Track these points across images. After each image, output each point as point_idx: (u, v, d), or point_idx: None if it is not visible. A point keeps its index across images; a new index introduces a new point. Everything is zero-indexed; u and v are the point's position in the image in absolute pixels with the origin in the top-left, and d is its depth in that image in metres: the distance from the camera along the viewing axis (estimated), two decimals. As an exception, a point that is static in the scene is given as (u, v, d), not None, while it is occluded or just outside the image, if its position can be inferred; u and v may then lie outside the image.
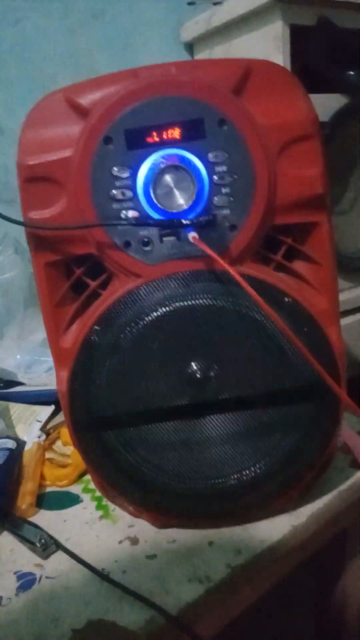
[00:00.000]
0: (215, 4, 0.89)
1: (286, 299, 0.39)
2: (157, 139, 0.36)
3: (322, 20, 0.82)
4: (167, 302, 0.39)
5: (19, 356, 0.73)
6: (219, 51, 0.92)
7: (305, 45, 0.82)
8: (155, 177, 0.36)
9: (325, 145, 0.84)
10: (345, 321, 0.92)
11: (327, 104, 0.83)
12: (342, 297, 0.92)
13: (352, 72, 0.87)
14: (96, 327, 0.39)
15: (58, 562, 0.43)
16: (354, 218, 0.94)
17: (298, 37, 0.81)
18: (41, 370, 0.72)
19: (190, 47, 0.99)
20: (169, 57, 0.98)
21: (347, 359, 0.87)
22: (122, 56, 0.94)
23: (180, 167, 0.36)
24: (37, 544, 0.44)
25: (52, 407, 0.65)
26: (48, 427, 0.63)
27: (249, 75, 0.37)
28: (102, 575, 0.40)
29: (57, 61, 0.89)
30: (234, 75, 0.36)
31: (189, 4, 0.92)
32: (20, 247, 0.84)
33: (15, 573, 0.42)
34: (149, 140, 0.36)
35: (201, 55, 0.97)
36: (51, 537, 0.45)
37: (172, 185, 0.36)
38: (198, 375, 0.41)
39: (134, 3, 0.93)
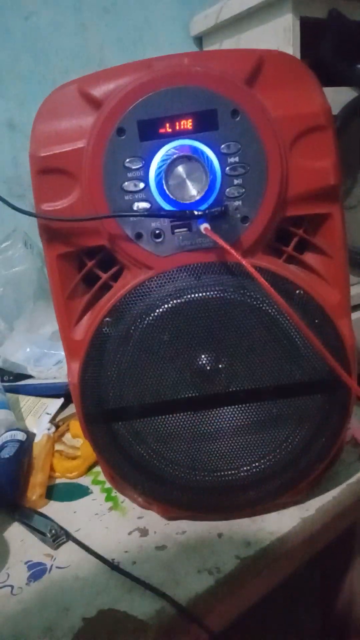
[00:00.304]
0: (225, -3, 0.88)
1: (297, 291, 0.39)
2: (169, 130, 0.36)
3: (333, 12, 0.82)
4: (178, 294, 0.39)
5: (28, 349, 0.74)
6: (228, 45, 0.91)
7: (315, 38, 0.82)
8: (167, 168, 0.36)
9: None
10: (354, 316, 0.91)
11: (336, 98, 0.82)
12: (351, 291, 0.92)
13: (362, 66, 0.87)
14: (107, 319, 0.40)
15: (68, 552, 0.43)
16: (363, 213, 0.93)
17: (308, 30, 0.80)
18: (50, 364, 0.72)
19: (199, 40, 0.99)
20: (178, 51, 0.98)
21: (358, 353, 0.86)
22: (133, 50, 0.94)
23: (192, 158, 0.36)
24: (48, 535, 0.44)
25: (62, 400, 0.65)
26: (57, 419, 0.63)
27: (261, 66, 0.37)
28: (112, 565, 0.41)
29: (68, 55, 0.89)
30: (246, 66, 0.36)
31: (199, -4, 0.92)
32: (30, 240, 0.84)
33: (26, 563, 0.43)
34: (162, 131, 0.36)
35: (211, 48, 0.97)
36: (61, 528, 0.45)
37: (184, 176, 0.36)
38: (207, 368, 0.41)
39: (144, -3, 0.93)
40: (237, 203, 0.37)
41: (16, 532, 0.46)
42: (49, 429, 0.59)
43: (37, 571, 0.42)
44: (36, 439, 0.58)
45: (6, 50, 0.85)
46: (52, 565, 0.42)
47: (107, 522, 0.47)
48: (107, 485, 0.50)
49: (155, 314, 0.39)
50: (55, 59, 0.88)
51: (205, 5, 0.94)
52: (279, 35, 0.81)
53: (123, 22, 0.93)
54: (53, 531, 0.45)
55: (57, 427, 0.61)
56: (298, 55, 0.80)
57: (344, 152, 0.87)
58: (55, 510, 0.49)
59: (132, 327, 0.39)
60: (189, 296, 0.39)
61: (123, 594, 0.39)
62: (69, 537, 0.45)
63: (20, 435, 0.56)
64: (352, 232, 0.92)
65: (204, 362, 0.41)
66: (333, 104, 0.86)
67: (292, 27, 0.79)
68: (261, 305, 0.39)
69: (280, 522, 0.44)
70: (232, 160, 0.36)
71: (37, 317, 0.78)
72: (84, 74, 0.94)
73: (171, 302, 0.39)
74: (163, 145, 0.36)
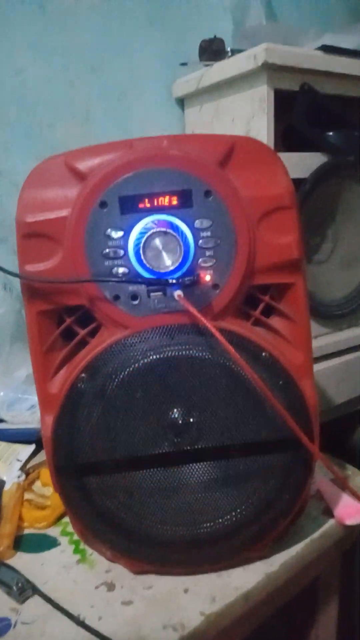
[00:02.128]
0: (206, 65, 0.95)
1: (263, 354, 0.42)
2: (148, 206, 0.39)
3: (305, 86, 0.89)
4: (151, 353, 0.41)
5: (2, 393, 0.74)
6: (208, 108, 0.98)
7: (289, 107, 0.89)
8: (145, 239, 0.39)
9: (305, 201, 0.89)
10: (323, 365, 0.95)
11: (307, 162, 0.89)
12: (320, 342, 0.95)
13: (330, 134, 0.94)
14: (83, 375, 0.41)
15: (34, 606, 0.43)
16: (330, 268, 0.98)
17: (282, 99, 0.87)
18: (23, 408, 0.72)
19: (181, 102, 1.06)
20: (161, 111, 1.04)
21: (326, 402, 0.90)
22: (117, 107, 1.00)
23: (168, 233, 0.39)
24: (14, 588, 0.44)
25: (33, 447, 0.66)
26: (28, 466, 0.63)
27: (233, 150, 0.40)
28: (78, 621, 0.41)
29: (55, 109, 0.93)
30: (220, 150, 0.40)
31: (182, 64, 0.99)
32: (9, 284, 0.86)
33: (-10, 618, 0.42)
34: (141, 206, 0.39)
35: (191, 110, 1.03)
36: (28, 581, 0.45)
37: (160, 248, 0.39)
38: (179, 422, 0.43)
39: (131, 60, 0.99)
40: (209, 272, 0.40)
41: (-19, 585, 0.46)
42: (19, 477, 0.59)
43: (1, 627, 0.41)
44: (6, 487, 0.57)
45: (-5, 101, 0.89)
46: (17, 620, 0.42)
47: (75, 575, 0.47)
48: (76, 537, 0.50)
49: (129, 370, 0.41)
50: (42, 112, 0.93)
51: (188, 70, 1.00)
52: (255, 104, 0.87)
53: (109, 80, 0.99)
54: (19, 584, 0.44)
55: (28, 474, 0.61)
56: (272, 123, 0.86)
57: (314, 212, 0.93)
58: (22, 562, 0.49)
59: (107, 384, 0.41)
60: (161, 354, 0.41)
61: (88, 652, 0.39)
62: (35, 591, 0.45)
63: (-10, 483, 0.56)
64: (322, 286, 0.97)
65: (175, 415, 0.43)
66: (304, 167, 0.93)
67: (266, 97, 0.85)
68: (230, 365, 0.41)
69: (245, 577, 0.45)
70: (204, 234, 0.40)
71: (13, 360, 0.79)
72: (70, 127, 0.98)
73: (145, 360, 0.41)
74: (142, 218, 0.39)
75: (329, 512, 0.52)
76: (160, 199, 0.39)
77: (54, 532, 0.53)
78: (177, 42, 1.04)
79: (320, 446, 0.47)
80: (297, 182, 0.87)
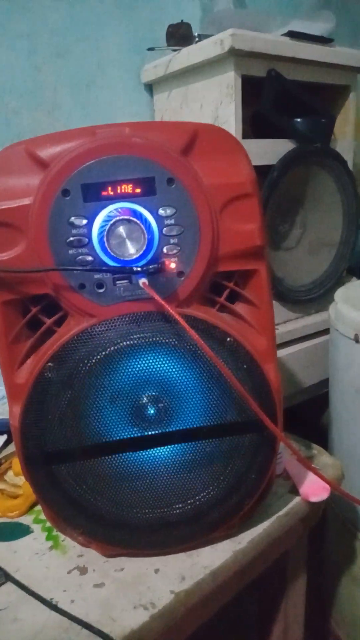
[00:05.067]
0: (173, 50, 0.94)
1: (228, 339, 0.43)
2: (111, 193, 0.39)
3: (272, 72, 0.89)
4: (118, 340, 0.41)
5: (-28, 384, 0.73)
6: (177, 94, 0.97)
7: (257, 94, 0.89)
8: (109, 227, 0.39)
9: (274, 188, 0.89)
10: (292, 349, 0.97)
11: (275, 149, 0.89)
12: (289, 327, 0.97)
13: (298, 120, 0.95)
14: (50, 364, 0.41)
15: (7, 593, 0.44)
16: (299, 254, 1.00)
17: (250, 86, 0.87)
18: (-5, 399, 0.72)
19: (150, 87, 1.05)
20: (129, 96, 1.03)
21: (295, 384, 0.92)
22: (85, 93, 0.98)
23: (132, 220, 0.39)
24: (-14, 576, 0.44)
25: (5, 437, 0.65)
26: (0, 456, 0.63)
27: (196, 138, 0.41)
28: (50, 605, 0.42)
29: (21, 95, 0.91)
30: (182, 138, 0.40)
31: (149, 49, 0.97)
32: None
33: None
34: (104, 194, 0.39)
35: (160, 96, 1.02)
36: (1, 569, 0.45)
37: (124, 235, 0.39)
38: (148, 407, 0.44)
39: (98, 44, 0.97)
40: (174, 260, 0.41)
41: None
42: (-9, 467, 0.59)
43: (-27, 614, 0.42)
44: (-23, 477, 0.57)
45: None
46: (-11, 608, 0.42)
47: (48, 561, 0.47)
48: (48, 524, 0.51)
49: (97, 358, 0.41)
50: (7, 98, 0.91)
51: (156, 55, 0.99)
52: (223, 90, 0.87)
53: (76, 66, 0.97)
54: (-8, 572, 0.45)
55: (0, 464, 0.61)
56: (240, 109, 0.87)
57: (282, 199, 0.94)
58: (-6, 550, 0.49)
59: (74, 372, 0.41)
60: (129, 342, 0.42)
61: (60, 633, 0.40)
62: (8, 577, 0.45)
63: None
64: (291, 272, 0.99)
65: (145, 401, 0.44)
66: (272, 154, 0.93)
67: (234, 83, 0.85)
68: (195, 349, 0.42)
69: (213, 556, 0.46)
70: (168, 222, 0.40)
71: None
72: (37, 114, 0.96)
73: (112, 347, 0.41)
74: (105, 206, 0.39)
75: (295, 491, 0.54)
76: (123, 186, 0.39)
77: (26, 520, 0.53)
78: (145, 26, 1.02)
79: (286, 427, 0.49)
80: (265, 169, 0.87)
